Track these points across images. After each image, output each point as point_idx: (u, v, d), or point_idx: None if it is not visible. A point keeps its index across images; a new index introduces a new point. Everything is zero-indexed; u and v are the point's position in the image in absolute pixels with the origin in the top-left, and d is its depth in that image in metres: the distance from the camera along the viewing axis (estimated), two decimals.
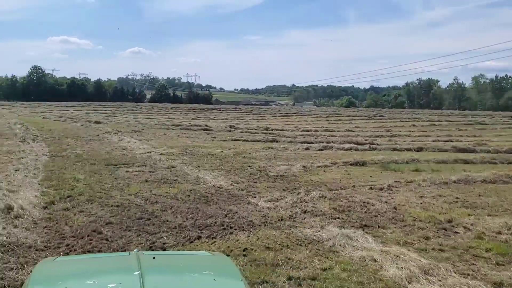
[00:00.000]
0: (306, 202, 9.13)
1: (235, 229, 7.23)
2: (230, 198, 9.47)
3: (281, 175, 12.37)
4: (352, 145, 20.23)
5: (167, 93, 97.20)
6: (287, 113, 51.65)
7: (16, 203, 7.72)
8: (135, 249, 3.79)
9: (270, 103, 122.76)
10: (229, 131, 26.95)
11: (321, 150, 18.78)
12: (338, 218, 8.11)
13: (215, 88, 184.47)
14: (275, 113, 51.66)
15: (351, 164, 14.87)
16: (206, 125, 29.33)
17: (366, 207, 9.03)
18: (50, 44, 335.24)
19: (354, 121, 40.34)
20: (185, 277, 2.93)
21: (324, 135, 25.52)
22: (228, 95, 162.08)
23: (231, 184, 10.90)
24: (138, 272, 2.64)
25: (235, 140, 21.81)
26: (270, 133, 25.71)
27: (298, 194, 9.75)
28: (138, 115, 40.63)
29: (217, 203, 8.94)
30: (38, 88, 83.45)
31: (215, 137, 22.68)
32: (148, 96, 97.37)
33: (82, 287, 2.62)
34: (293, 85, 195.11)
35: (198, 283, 2.80)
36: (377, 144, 21.21)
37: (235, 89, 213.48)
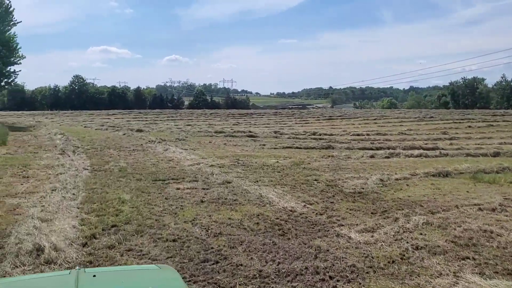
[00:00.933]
0: (411, 232, 7.06)
1: (338, 280, 5.23)
2: (311, 227, 7.48)
3: (358, 192, 10.30)
4: (421, 151, 18.05)
5: (205, 99, 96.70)
6: (331, 116, 49.20)
7: (48, 240, 6.06)
8: (77, 267, 3.11)
9: (307, 106, 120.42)
10: (276, 137, 25.09)
11: (388, 157, 16.65)
12: (468, 258, 6.00)
13: (251, 92, 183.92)
14: (318, 117, 49.25)
15: (433, 175, 12.68)
16: (250, 131, 27.56)
17: (492, 238, 6.87)
18: (90, 54, 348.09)
19: (404, 123, 37.69)
20: None
21: (379, 139, 23.46)
22: (265, 99, 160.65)
23: (304, 205, 8.94)
24: None
25: (287, 147, 19.86)
26: (320, 139, 23.78)
27: (396, 221, 7.66)
28: (179, 122, 39.38)
29: (297, 236, 6.97)
30: (79, 97, 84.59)
31: (264, 145, 20.81)
32: (186, 103, 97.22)
33: None
34: (330, 87, 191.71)
35: None
36: (444, 149, 18.96)
37: (271, 93, 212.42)
